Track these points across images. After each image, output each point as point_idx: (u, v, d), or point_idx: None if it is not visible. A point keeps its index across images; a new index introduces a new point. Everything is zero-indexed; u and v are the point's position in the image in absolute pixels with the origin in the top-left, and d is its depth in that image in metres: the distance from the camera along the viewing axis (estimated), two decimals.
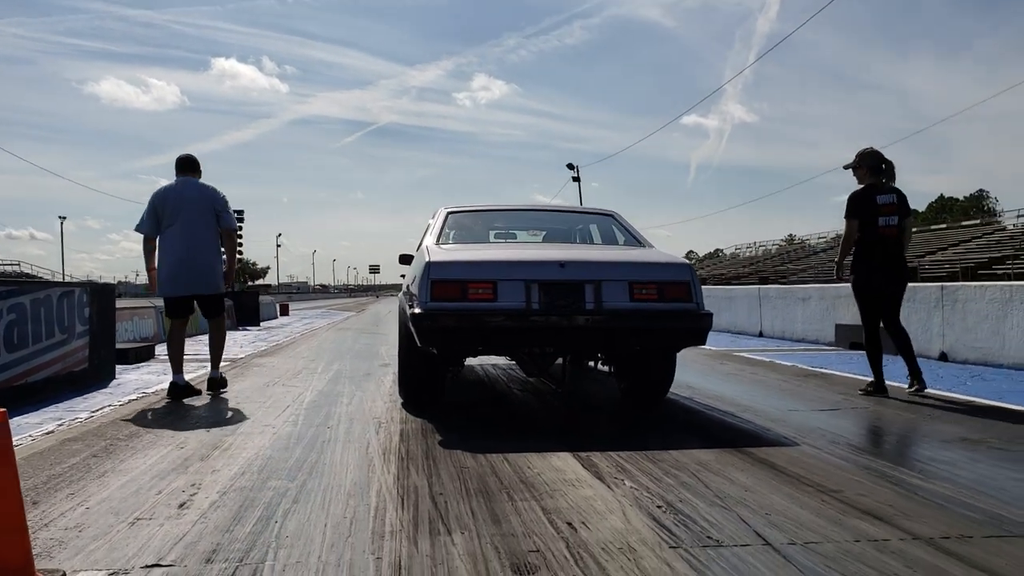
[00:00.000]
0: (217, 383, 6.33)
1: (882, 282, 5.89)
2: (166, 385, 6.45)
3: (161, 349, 10.18)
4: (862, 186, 5.95)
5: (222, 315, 6.46)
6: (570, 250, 5.77)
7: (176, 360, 6.14)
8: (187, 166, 6.32)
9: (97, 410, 5.43)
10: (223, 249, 6.37)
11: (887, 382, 5.93)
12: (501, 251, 5.62)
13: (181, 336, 6.22)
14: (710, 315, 4.96)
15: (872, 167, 5.93)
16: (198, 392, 6.14)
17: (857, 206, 5.89)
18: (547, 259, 5.02)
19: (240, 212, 31.51)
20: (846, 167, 6.08)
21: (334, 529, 2.71)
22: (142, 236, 6.17)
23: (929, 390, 5.91)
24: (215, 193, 6.23)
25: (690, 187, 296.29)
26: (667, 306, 4.88)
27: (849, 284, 6.12)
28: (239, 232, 30.97)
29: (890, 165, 5.94)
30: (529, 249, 5.96)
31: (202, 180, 6.35)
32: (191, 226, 6.07)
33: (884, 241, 5.85)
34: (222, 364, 6.53)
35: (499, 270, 4.87)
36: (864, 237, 5.88)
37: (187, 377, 6.29)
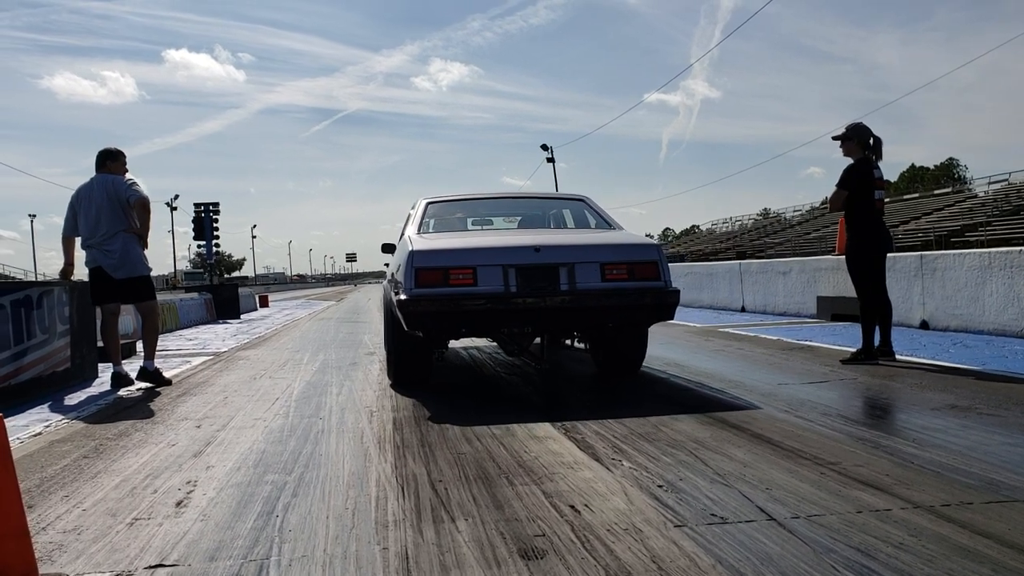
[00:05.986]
0: (149, 375, 6.32)
1: (877, 252, 5.97)
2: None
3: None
4: (859, 158, 6.00)
5: (150, 300, 6.50)
6: (544, 235, 6.05)
7: (114, 351, 6.39)
8: (98, 162, 6.37)
9: (83, 410, 5.37)
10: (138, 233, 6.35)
11: (850, 349, 6.35)
12: (479, 238, 5.94)
13: (114, 327, 6.41)
14: (677, 291, 5.26)
15: (863, 141, 5.99)
16: (131, 382, 6.30)
17: (858, 178, 5.95)
18: (523, 244, 5.28)
19: (216, 204, 31.23)
20: (835, 138, 6.11)
21: (337, 521, 2.69)
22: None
23: (913, 358, 6.03)
24: (119, 182, 6.24)
25: (662, 164, 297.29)
26: (637, 284, 5.17)
27: (830, 256, 6.25)
28: (215, 223, 30.77)
29: (878, 141, 6.03)
30: (506, 235, 6.22)
31: (128, 174, 6.41)
32: (102, 222, 6.16)
33: (879, 213, 5.99)
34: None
35: (478, 256, 5.17)
36: (862, 209, 5.97)
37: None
